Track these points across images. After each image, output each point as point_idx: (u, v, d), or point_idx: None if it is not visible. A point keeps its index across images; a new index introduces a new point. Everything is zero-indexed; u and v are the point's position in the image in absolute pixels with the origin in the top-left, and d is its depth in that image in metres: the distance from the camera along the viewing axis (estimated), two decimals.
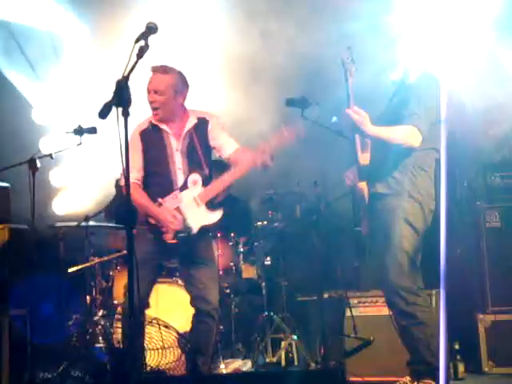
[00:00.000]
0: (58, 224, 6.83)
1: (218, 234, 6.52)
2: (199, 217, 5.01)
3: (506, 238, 6.09)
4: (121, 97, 3.80)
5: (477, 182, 6.44)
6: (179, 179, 5.07)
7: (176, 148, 5.10)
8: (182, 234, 4.96)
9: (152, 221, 5.03)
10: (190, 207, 5.01)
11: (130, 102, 4.60)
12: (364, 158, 4.64)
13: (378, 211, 4.61)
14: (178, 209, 5.02)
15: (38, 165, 6.01)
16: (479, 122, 7.14)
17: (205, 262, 5.07)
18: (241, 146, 5.16)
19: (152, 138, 5.10)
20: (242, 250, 6.61)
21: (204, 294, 4.97)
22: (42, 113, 8.31)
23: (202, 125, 5.15)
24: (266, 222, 6.73)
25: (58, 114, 8.08)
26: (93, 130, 5.88)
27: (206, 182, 5.09)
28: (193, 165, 5.08)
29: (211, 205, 5.07)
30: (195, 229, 5.00)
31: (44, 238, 6.65)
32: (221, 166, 5.33)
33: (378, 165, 4.60)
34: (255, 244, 6.72)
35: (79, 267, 6.47)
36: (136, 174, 5.07)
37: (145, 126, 5.16)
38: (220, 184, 5.06)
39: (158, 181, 5.10)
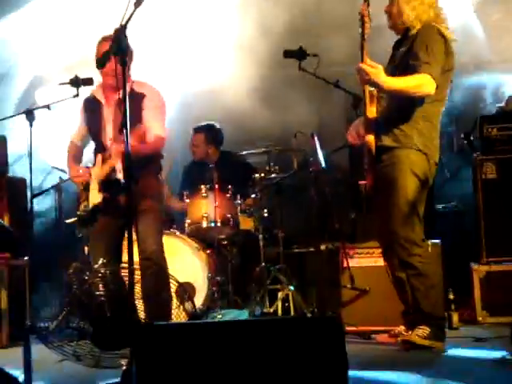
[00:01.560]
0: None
1: (216, 186, 6.53)
2: (93, 196, 5.16)
3: (502, 190, 6.12)
4: (119, 46, 3.78)
5: (474, 133, 6.44)
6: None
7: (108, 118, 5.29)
8: (78, 212, 5.19)
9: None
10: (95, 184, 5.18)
11: (129, 52, 4.61)
12: (371, 112, 4.61)
13: (384, 163, 4.61)
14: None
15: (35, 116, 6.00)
16: None
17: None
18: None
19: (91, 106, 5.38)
20: (239, 201, 6.62)
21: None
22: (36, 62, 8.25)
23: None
24: (263, 175, 6.73)
25: (53, 64, 8.01)
26: (89, 81, 5.82)
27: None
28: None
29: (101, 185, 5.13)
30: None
31: (41, 188, 6.69)
32: None
33: (385, 117, 4.58)
34: (252, 196, 6.73)
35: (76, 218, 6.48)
36: (75, 135, 5.52)
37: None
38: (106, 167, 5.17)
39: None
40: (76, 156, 5.50)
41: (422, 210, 4.65)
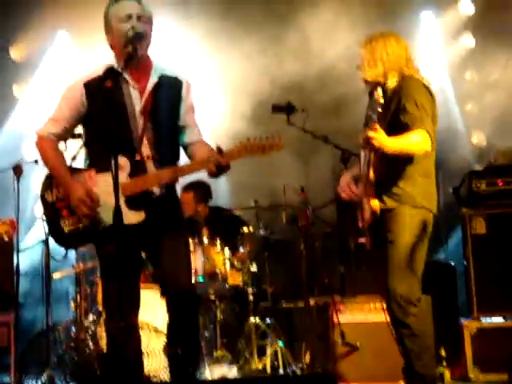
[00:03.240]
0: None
1: (204, 241, 6.50)
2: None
3: (492, 245, 6.11)
4: None
5: (462, 188, 6.46)
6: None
7: (139, 108, 4.12)
8: (80, 225, 4.09)
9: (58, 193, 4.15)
10: (107, 196, 3.95)
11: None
12: (371, 175, 4.58)
13: (385, 221, 4.58)
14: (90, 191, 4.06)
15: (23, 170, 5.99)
16: None
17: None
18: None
19: (109, 88, 3.85)
20: (227, 256, 6.58)
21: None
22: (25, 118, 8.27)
23: (169, 84, 4.22)
24: (251, 229, 6.70)
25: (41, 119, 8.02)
26: (78, 136, 5.80)
27: (137, 168, 4.07)
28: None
29: (133, 201, 4.04)
30: (106, 223, 4.02)
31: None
32: None
33: (385, 178, 4.56)
34: (241, 250, 6.69)
35: (63, 273, 6.44)
36: (52, 128, 4.19)
37: (96, 75, 4.09)
38: (154, 180, 4.06)
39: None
40: (64, 161, 4.26)
41: (422, 267, 4.60)
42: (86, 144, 4.21)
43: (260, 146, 3.89)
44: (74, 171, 4.17)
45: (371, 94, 4.58)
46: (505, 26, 7.78)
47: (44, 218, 4.26)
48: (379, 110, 4.29)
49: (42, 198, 4.22)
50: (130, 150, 4.04)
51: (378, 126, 4.29)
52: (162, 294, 4.18)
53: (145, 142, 4.07)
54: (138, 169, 4.04)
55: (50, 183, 4.19)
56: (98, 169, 4.07)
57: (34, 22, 8.07)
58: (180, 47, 8.05)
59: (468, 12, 8.31)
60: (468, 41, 8.36)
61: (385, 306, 4.83)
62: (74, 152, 4.21)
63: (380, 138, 4.28)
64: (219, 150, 3.91)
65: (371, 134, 4.27)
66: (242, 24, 7.91)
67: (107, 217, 3.92)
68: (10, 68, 8.34)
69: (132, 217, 4.00)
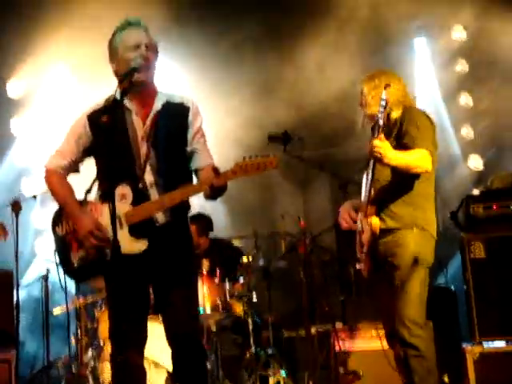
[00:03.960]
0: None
1: (204, 272, 6.49)
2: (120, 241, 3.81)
3: (491, 269, 6.09)
4: None
5: (460, 213, 6.47)
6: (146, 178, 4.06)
7: (142, 135, 4.10)
8: (89, 257, 4.04)
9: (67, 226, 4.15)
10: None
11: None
12: (371, 195, 4.61)
13: (387, 245, 4.60)
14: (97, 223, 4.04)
15: (22, 206, 6.00)
16: None
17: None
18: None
19: (110, 118, 3.92)
20: (227, 286, 6.57)
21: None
22: (23, 153, 8.31)
23: (174, 110, 4.19)
24: (251, 258, 6.70)
25: (40, 154, 8.06)
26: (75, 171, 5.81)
27: (140, 196, 4.02)
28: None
29: (136, 230, 4.00)
30: (110, 255, 3.99)
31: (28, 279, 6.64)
32: None
33: (386, 199, 4.60)
34: (241, 281, 6.68)
35: (64, 308, 6.41)
36: (59, 161, 4.20)
37: (99, 106, 4.15)
38: (155, 206, 4.00)
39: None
40: (73, 194, 4.20)
41: (427, 290, 4.61)
42: (97, 175, 4.18)
43: (255, 164, 3.84)
44: (81, 203, 4.14)
45: (373, 129, 4.65)
46: (497, 52, 7.83)
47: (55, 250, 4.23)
48: (382, 110, 4.37)
49: (53, 231, 4.23)
50: (132, 178, 4.03)
51: (382, 136, 4.37)
52: (167, 338, 4.11)
53: (148, 169, 4.04)
54: (141, 197, 4.01)
55: (60, 216, 4.20)
56: (103, 199, 4.06)
57: (30, 56, 8.12)
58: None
59: (460, 38, 8.38)
60: (461, 66, 8.42)
61: (382, 333, 4.84)
62: (88, 185, 4.19)
63: (384, 146, 4.34)
64: (215, 171, 3.89)
65: (376, 142, 4.34)
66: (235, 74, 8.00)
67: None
68: (7, 104, 8.38)
69: (135, 246, 3.98)
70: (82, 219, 4.04)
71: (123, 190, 3.98)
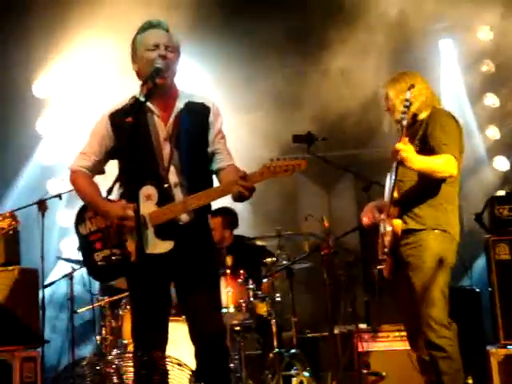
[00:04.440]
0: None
1: (227, 271, 6.50)
2: (144, 242, 3.96)
3: None
4: None
5: (485, 214, 6.44)
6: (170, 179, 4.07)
7: (164, 136, 4.12)
8: (113, 257, 4.05)
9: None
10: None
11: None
12: (394, 196, 4.60)
13: (410, 245, 4.59)
14: (116, 225, 4.04)
15: (48, 206, 6.05)
16: None
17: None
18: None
19: (133, 118, 3.90)
20: (251, 286, 6.58)
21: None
22: (49, 150, 8.38)
23: (196, 110, 4.20)
24: (274, 259, 6.72)
25: (66, 154, 8.12)
26: (101, 172, 5.83)
27: (165, 197, 4.03)
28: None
29: (163, 231, 4.02)
30: (134, 255, 3.99)
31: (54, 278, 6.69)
32: None
33: (408, 201, 4.59)
34: (265, 280, 6.70)
35: (88, 307, 6.47)
36: (83, 161, 4.22)
37: (120, 106, 4.18)
38: (180, 207, 4.00)
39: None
40: (99, 191, 4.20)
41: (448, 291, 4.60)
42: (119, 176, 4.13)
43: (283, 166, 3.84)
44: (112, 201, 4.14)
45: (401, 120, 4.63)
46: None
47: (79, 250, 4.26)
48: (406, 110, 4.40)
49: (77, 230, 4.25)
50: (157, 178, 4.04)
51: (406, 139, 4.36)
52: (191, 338, 4.13)
53: (172, 169, 4.06)
54: (166, 197, 4.02)
55: (83, 216, 4.22)
56: (127, 200, 4.04)
57: (55, 55, 8.19)
58: None
59: (486, 38, 8.33)
60: (487, 67, 8.37)
61: (405, 334, 4.83)
62: (110, 185, 4.22)
63: (407, 150, 4.34)
64: (243, 172, 3.91)
65: (399, 145, 4.34)
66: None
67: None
68: (34, 104, 8.45)
69: (161, 246, 3.99)
70: (110, 209, 4.03)
71: (148, 191, 4.00)
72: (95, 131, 4.23)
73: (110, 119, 4.16)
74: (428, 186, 4.59)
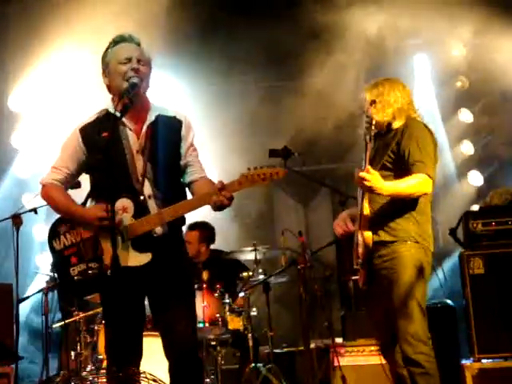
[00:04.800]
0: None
1: (203, 286, 6.49)
2: (121, 255, 3.86)
3: (491, 285, 6.10)
4: None
5: (459, 229, 6.48)
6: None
7: (137, 149, 4.11)
8: (90, 272, 4.01)
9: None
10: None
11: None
12: (366, 209, 4.59)
13: (383, 258, 4.57)
14: (92, 238, 4.07)
15: (22, 220, 6.01)
16: None
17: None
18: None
19: (104, 132, 3.83)
20: (227, 301, 6.57)
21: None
22: (25, 167, 8.33)
23: (168, 123, 4.21)
24: (251, 273, 6.72)
25: (42, 168, 8.08)
26: (76, 185, 5.77)
27: (139, 210, 4.03)
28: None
29: (140, 243, 4.01)
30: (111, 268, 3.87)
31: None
32: None
33: (380, 212, 4.57)
34: (241, 294, 6.70)
35: (63, 322, 6.42)
36: (54, 175, 4.20)
37: (91, 120, 4.18)
38: (157, 220, 4.00)
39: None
40: (72, 199, 4.21)
41: (425, 304, 4.60)
42: (91, 190, 4.21)
43: (260, 174, 3.90)
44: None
45: (375, 137, 4.63)
46: (496, 68, 7.86)
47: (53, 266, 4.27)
48: (367, 131, 4.37)
49: (50, 246, 4.21)
50: (132, 191, 4.04)
51: (369, 168, 4.32)
52: (164, 352, 4.13)
53: (145, 182, 4.06)
54: (142, 209, 4.02)
55: (57, 231, 4.19)
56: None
57: (31, 68, 8.16)
58: None
59: (460, 54, 8.42)
60: (461, 82, 8.46)
61: (377, 348, 4.82)
62: (82, 200, 4.21)
63: (372, 179, 4.29)
64: (220, 183, 3.94)
65: (362, 174, 4.30)
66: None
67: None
68: (8, 117, 8.41)
69: (139, 259, 4.00)
70: (88, 212, 4.06)
71: (124, 203, 4.01)
72: (66, 145, 4.22)
73: (81, 133, 4.16)
74: (400, 200, 4.57)
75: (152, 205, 4.06)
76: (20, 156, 8.44)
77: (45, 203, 4.90)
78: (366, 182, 4.30)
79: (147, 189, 4.07)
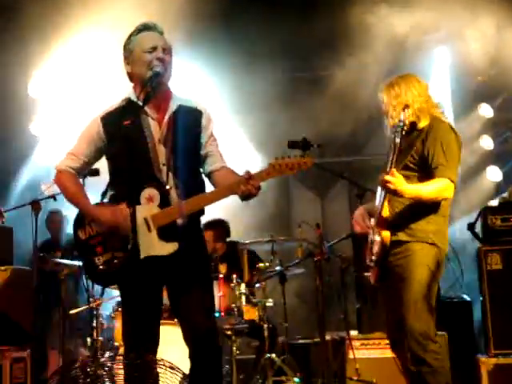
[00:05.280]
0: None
1: (220, 275, 6.51)
2: (147, 244, 3.95)
3: (508, 281, 6.08)
4: None
5: (477, 224, 6.45)
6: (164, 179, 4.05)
7: (159, 138, 4.10)
8: (115, 260, 4.00)
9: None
10: (139, 228, 3.93)
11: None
12: (385, 210, 4.57)
13: (397, 256, 4.56)
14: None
15: (41, 206, 6.05)
16: None
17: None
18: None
19: (127, 120, 3.93)
20: (243, 291, 6.59)
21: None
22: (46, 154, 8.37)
23: (188, 114, 4.22)
24: (267, 264, 6.73)
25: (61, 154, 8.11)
26: (95, 172, 5.79)
27: (166, 199, 4.03)
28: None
29: (166, 233, 4.01)
30: (140, 257, 3.94)
31: (46, 279, 6.68)
32: None
33: (402, 215, 4.55)
34: (257, 285, 6.71)
35: (80, 309, 6.47)
36: (70, 162, 4.18)
37: (113, 108, 4.18)
38: (185, 208, 3.99)
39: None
40: (84, 192, 4.22)
41: (434, 304, 4.59)
42: (111, 178, 4.20)
43: (289, 164, 3.89)
44: (104, 205, 4.13)
45: (394, 139, 4.60)
46: None
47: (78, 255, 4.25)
48: (398, 135, 4.31)
49: (75, 235, 4.18)
50: (156, 180, 4.04)
51: (394, 171, 4.29)
52: (184, 339, 4.13)
53: (168, 171, 4.06)
54: (166, 199, 4.02)
55: (82, 220, 4.16)
56: (117, 202, 4.02)
57: (51, 57, 8.18)
58: None
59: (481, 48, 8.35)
60: (481, 77, 8.40)
61: (388, 342, 4.82)
62: (103, 188, 4.21)
63: (396, 182, 4.27)
64: (248, 172, 3.92)
65: (387, 177, 4.28)
66: None
67: (142, 249, 3.92)
68: (29, 105, 8.44)
69: (166, 248, 3.99)
70: (100, 212, 4.04)
71: (150, 193, 4.00)
72: (85, 132, 4.21)
73: (102, 121, 4.15)
74: (420, 202, 4.55)
75: (173, 195, 4.06)
76: (41, 143, 8.47)
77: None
78: (389, 185, 4.28)
79: (169, 179, 4.06)
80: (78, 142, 4.23)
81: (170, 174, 4.07)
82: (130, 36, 4.21)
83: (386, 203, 4.47)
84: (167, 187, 4.04)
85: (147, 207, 4.00)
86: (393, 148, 4.38)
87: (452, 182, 4.39)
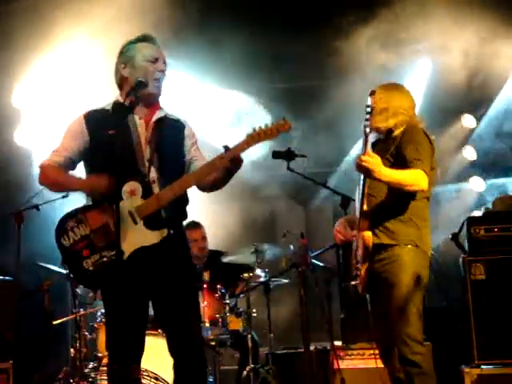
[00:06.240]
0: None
1: (204, 286, 6.50)
2: (135, 236, 4.00)
3: (492, 291, 6.10)
4: None
5: (461, 234, 6.47)
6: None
7: (145, 137, 4.19)
8: (105, 259, 4.02)
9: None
10: (124, 224, 3.95)
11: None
12: (364, 204, 4.60)
13: (383, 261, 4.59)
14: (102, 227, 4.09)
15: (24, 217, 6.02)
16: None
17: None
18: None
19: (111, 119, 4.03)
20: (227, 301, 6.58)
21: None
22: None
23: (172, 123, 4.36)
24: (251, 274, 6.72)
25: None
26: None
27: (148, 191, 4.08)
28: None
29: (152, 221, 4.04)
30: (128, 252, 3.98)
31: (29, 290, 6.63)
32: None
33: (378, 215, 4.60)
34: (241, 295, 6.70)
35: (64, 319, 6.42)
36: (53, 157, 4.23)
37: (97, 108, 4.29)
38: (168, 195, 4.03)
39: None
40: (71, 174, 4.27)
41: (422, 308, 4.61)
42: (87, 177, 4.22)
43: (267, 131, 3.95)
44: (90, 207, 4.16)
45: (377, 143, 4.66)
46: (501, 73, 7.87)
47: (64, 264, 4.28)
48: (368, 116, 4.34)
49: (59, 244, 4.17)
50: (135, 174, 4.10)
51: (370, 151, 4.34)
52: (169, 350, 4.13)
53: (151, 168, 4.13)
54: (149, 191, 4.07)
55: (64, 228, 4.15)
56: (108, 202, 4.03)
57: (35, 66, 8.14)
58: None
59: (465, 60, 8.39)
60: (464, 88, 8.44)
61: (377, 351, 4.84)
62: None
63: (371, 161, 4.30)
64: (226, 147, 4.00)
65: (363, 157, 4.31)
66: None
67: (128, 245, 3.96)
68: (12, 114, 8.38)
69: (155, 235, 4.02)
70: (95, 181, 4.05)
71: (132, 186, 4.05)
72: (68, 130, 4.27)
73: (85, 118, 4.23)
74: (398, 201, 4.59)
75: (156, 189, 4.11)
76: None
77: (48, 199, 4.96)
78: (366, 164, 4.31)
79: (152, 173, 4.12)
80: (62, 140, 4.29)
81: (153, 168, 4.13)
82: (128, 43, 4.32)
83: (365, 199, 4.52)
84: (147, 180, 4.08)
85: (130, 201, 4.05)
86: (364, 138, 4.40)
87: (426, 173, 4.45)
